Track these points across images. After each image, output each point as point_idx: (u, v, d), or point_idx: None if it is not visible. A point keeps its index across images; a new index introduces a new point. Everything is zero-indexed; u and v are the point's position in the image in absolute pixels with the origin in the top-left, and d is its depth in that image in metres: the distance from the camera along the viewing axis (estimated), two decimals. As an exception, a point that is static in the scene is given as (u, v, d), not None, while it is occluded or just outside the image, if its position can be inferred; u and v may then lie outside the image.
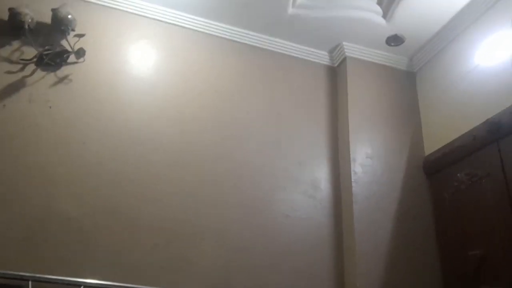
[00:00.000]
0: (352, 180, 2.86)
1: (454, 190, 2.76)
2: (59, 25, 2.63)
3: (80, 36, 2.66)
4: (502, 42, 2.63)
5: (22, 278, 2.06)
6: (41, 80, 2.60)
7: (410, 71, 3.42)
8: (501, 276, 2.31)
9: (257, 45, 3.26)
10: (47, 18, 2.66)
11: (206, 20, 3.13)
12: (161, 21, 3.04)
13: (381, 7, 3.04)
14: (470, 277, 2.51)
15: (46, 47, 2.62)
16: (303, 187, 2.90)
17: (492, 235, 2.41)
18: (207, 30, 3.15)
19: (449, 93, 2.99)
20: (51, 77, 2.63)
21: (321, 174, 2.99)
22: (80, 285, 2.14)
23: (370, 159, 2.97)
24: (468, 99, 2.80)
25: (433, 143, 3.04)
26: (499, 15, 2.69)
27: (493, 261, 2.38)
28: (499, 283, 2.31)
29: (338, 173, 3.03)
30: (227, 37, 3.19)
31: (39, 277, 2.09)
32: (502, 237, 2.35)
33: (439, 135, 3.00)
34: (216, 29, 3.16)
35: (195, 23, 3.11)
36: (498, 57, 2.64)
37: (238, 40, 3.22)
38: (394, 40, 3.23)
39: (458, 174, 2.74)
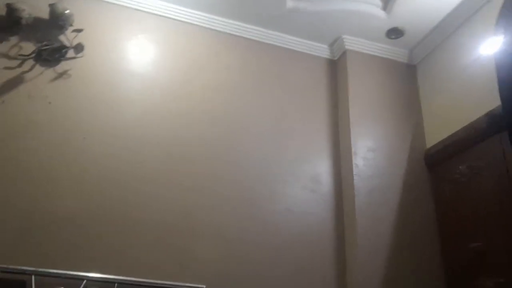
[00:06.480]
0: (354, 173, 2.85)
1: (455, 182, 2.75)
2: (57, 20, 2.62)
3: (78, 31, 2.65)
4: (501, 34, 2.60)
5: (25, 273, 2.07)
6: (40, 75, 2.58)
7: (410, 64, 3.40)
8: (501, 268, 2.30)
9: (257, 39, 3.24)
10: (44, 13, 2.64)
11: (205, 14, 3.11)
12: (160, 15, 3.02)
13: (380, 0, 3.03)
14: (471, 269, 2.50)
15: (44, 43, 2.60)
16: (304, 182, 2.88)
17: (493, 227, 2.40)
18: (207, 24, 3.13)
19: (450, 85, 2.98)
20: (49, 72, 2.61)
21: (323, 168, 2.98)
22: (83, 279, 2.14)
23: (372, 152, 2.96)
24: (469, 91, 2.79)
25: (434, 136, 3.03)
26: (498, 7, 2.66)
27: (493, 253, 2.38)
28: (499, 274, 2.31)
29: (339, 167, 3.02)
30: (226, 31, 3.16)
31: (42, 271, 2.09)
32: (503, 229, 2.34)
33: (440, 127, 2.99)
34: (216, 23, 3.14)
35: (194, 17, 3.09)
36: (498, 49, 2.62)
37: (237, 34, 3.19)
38: (394, 33, 3.21)
39: (459, 167, 2.73)
